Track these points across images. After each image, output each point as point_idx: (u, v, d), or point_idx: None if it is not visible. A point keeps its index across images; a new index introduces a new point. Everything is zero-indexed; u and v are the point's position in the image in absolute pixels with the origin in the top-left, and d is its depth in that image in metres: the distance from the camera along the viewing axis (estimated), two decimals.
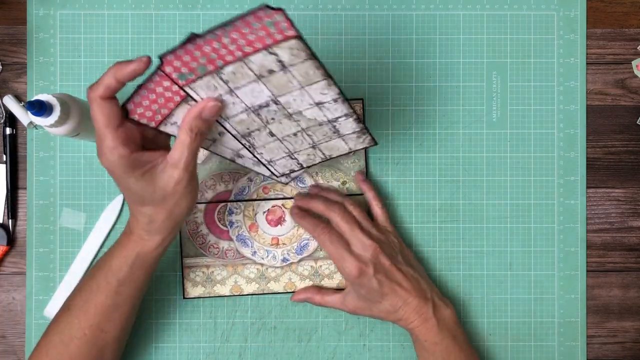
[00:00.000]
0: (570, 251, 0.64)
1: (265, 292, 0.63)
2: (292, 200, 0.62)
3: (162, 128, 0.49)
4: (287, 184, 0.58)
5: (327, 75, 0.45)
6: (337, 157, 0.54)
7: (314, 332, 0.63)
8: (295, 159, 0.53)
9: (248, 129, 0.49)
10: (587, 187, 0.64)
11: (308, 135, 0.51)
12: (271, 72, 0.45)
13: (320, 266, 0.63)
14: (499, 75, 0.64)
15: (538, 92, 0.64)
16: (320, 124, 0.50)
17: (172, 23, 0.64)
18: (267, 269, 0.63)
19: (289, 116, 0.49)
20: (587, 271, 0.64)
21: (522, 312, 0.64)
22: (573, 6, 0.65)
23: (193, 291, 0.62)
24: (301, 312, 0.63)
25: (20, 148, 0.64)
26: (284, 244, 0.63)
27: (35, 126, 0.63)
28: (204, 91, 0.46)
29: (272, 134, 0.50)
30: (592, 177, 0.65)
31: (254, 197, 0.63)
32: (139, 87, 0.46)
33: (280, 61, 0.44)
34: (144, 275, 0.53)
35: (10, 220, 0.63)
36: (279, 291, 0.63)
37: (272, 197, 0.63)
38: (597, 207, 0.65)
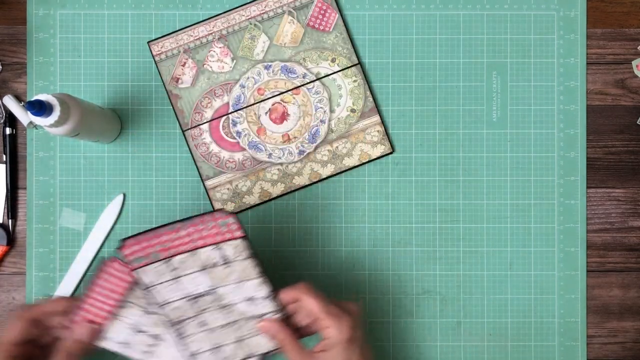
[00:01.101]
0: (570, 251, 0.64)
1: (292, 189, 0.63)
2: (289, 93, 0.63)
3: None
4: None
5: (262, 275, 0.52)
6: (258, 356, 0.54)
7: None
8: (219, 353, 0.54)
9: (181, 316, 0.52)
10: (587, 187, 0.64)
11: (236, 329, 0.53)
12: (215, 265, 0.51)
13: (337, 147, 0.63)
14: (499, 75, 0.64)
15: (538, 92, 0.64)
16: (248, 319, 0.53)
17: (172, 23, 0.64)
18: (287, 166, 0.63)
19: (222, 307, 0.53)
20: (587, 271, 0.64)
21: (522, 312, 0.64)
22: (573, 6, 0.65)
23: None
24: None
25: (20, 148, 0.64)
26: (295, 137, 0.63)
27: (35, 126, 0.63)
28: (151, 276, 0.51)
29: (202, 324, 0.53)
30: (592, 177, 0.65)
31: (252, 101, 0.63)
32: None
33: (224, 256, 0.51)
34: None
35: (10, 220, 0.63)
36: (305, 184, 0.63)
37: (269, 95, 0.63)
38: (597, 207, 0.65)
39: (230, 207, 0.63)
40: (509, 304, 0.64)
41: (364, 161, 0.64)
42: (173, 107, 0.63)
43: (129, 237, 0.49)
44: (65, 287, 0.62)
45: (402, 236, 0.64)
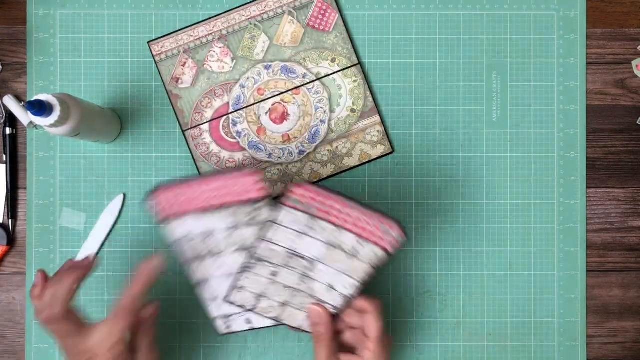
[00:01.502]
0: (570, 251, 0.64)
1: None
2: (289, 93, 0.63)
3: (166, 224, 0.53)
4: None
5: (364, 284, 0.52)
6: (283, 323, 0.56)
7: None
8: (258, 301, 0.55)
9: (268, 257, 0.53)
10: (587, 187, 0.64)
11: (293, 295, 0.54)
12: (340, 248, 0.52)
13: (337, 147, 0.63)
14: (499, 75, 0.64)
15: (538, 92, 0.64)
16: (310, 297, 0.54)
17: (172, 23, 0.64)
18: (287, 166, 0.63)
19: (304, 275, 0.53)
20: (587, 271, 0.64)
21: (522, 312, 0.64)
22: (573, 6, 0.65)
23: None
24: None
25: (20, 148, 0.64)
26: (295, 137, 0.63)
27: (35, 126, 0.63)
28: (288, 218, 0.51)
29: (274, 274, 0.54)
30: (592, 177, 0.65)
31: (252, 101, 0.63)
32: (179, 180, 0.51)
33: (359, 250, 0.51)
34: None
35: (10, 220, 0.63)
36: None
37: (269, 95, 0.63)
38: (597, 207, 0.65)
39: None
40: (509, 304, 0.64)
41: (364, 161, 0.64)
42: (173, 107, 0.63)
43: (312, 183, 0.50)
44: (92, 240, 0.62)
45: None
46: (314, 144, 0.64)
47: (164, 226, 0.52)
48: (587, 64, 0.65)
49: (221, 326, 0.56)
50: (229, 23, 0.64)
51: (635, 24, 0.65)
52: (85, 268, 0.52)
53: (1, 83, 0.64)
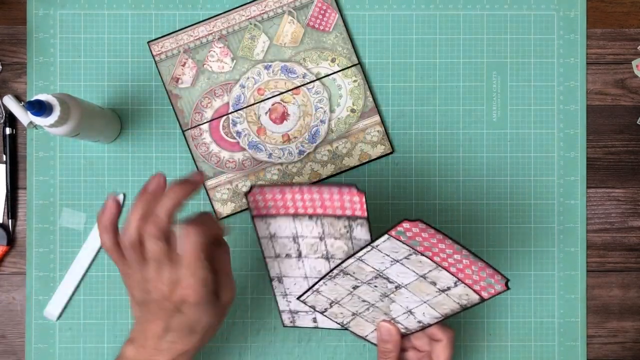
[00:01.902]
0: (570, 251, 0.64)
1: None
2: (289, 93, 0.63)
3: (256, 220, 0.51)
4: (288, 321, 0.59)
5: (445, 318, 0.51)
6: (349, 330, 0.56)
7: (314, 332, 0.63)
8: (330, 306, 0.55)
9: (353, 272, 0.52)
10: (587, 187, 0.64)
11: (368, 308, 0.54)
12: (433, 283, 0.50)
13: (337, 147, 0.63)
14: (499, 75, 0.64)
15: (538, 92, 0.64)
16: (385, 314, 0.54)
17: (172, 23, 0.64)
18: (287, 166, 0.63)
19: (385, 295, 0.52)
20: (587, 271, 0.64)
21: (522, 312, 0.64)
22: (573, 6, 0.65)
23: (224, 210, 0.63)
24: None
25: (20, 148, 0.64)
26: (295, 137, 0.63)
27: (35, 126, 0.63)
28: (388, 245, 0.48)
29: (354, 288, 0.53)
30: (592, 177, 0.65)
31: (252, 101, 0.63)
32: (277, 185, 0.51)
33: (449, 289, 0.49)
34: None
35: (10, 220, 0.63)
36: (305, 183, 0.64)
37: (269, 95, 0.63)
38: (597, 207, 0.65)
39: (230, 207, 0.63)
40: (509, 304, 0.64)
41: (364, 161, 0.64)
42: (173, 107, 0.63)
43: (427, 224, 0.46)
44: (65, 287, 0.62)
45: None
46: (314, 144, 0.64)
47: (255, 222, 0.51)
48: (587, 64, 0.65)
49: (286, 319, 0.57)
50: (229, 23, 0.64)
51: (635, 24, 0.65)
52: (195, 184, 0.45)
53: (1, 83, 0.64)
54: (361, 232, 0.49)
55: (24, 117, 0.62)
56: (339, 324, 0.56)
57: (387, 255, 0.49)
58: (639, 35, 0.65)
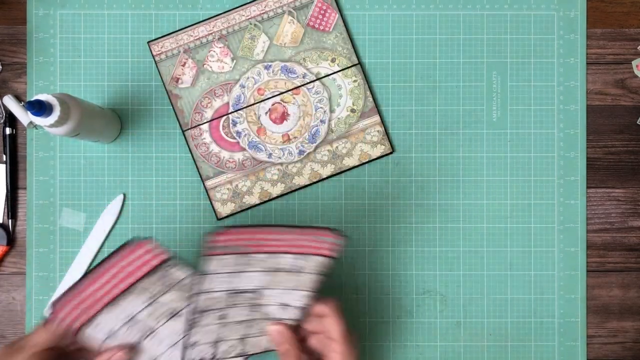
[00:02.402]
0: (570, 251, 0.64)
1: (292, 189, 0.63)
2: (289, 93, 0.63)
3: (84, 332, 0.49)
4: None
5: (316, 291, 0.51)
6: (251, 354, 0.55)
7: None
8: (216, 347, 0.53)
9: (209, 306, 0.51)
10: (587, 187, 0.64)
11: (250, 326, 0.53)
12: (281, 270, 0.50)
13: (337, 147, 0.63)
14: (499, 75, 0.64)
15: (538, 92, 0.64)
16: (267, 320, 0.53)
17: (172, 23, 0.64)
18: (287, 166, 0.63)
19: (253, 306, 0.52)
20: (587, 271, 0.64)
21: (522, 312, 0.64)
22: (573, 6, 0.65)
23: (224, 210, 0.63)
24: None
25: (20, 148, 0.64)
26: (295, 137, 0.63)
27: (35, 126, 0.63)
28: (216, 264, 0.48)
29: (222, 317, 0.52)
30: (592, 177, 0.65)
31: (252, 101, 0.63)
32: (69, 289, 0.47)
33: (301, 266, 0.49)
34: None
35: (10, 220, 0.63)
36: (305, 184, 0.63)
37: (269, 95, 0.63)
38: (597, 207, 0.65)
39: (230, 207, 0.63)
40: (509, 304, 0.64)
41: (364, 161, 0.64)
42: (173, 107, 0.63)
43: (234, 226, 0.47)
44: (65, 287, 0.62)
45: (402, 236, 0.64)
46: (314, 144, 0.64)
47: (81, 337, 0.49)
48: (587, 64, 0.65)
49: None
50: (229, 23, 0.64)
51: (635, 24, 0.65)
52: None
53: (1, 83, 0.64)
54: (179, 272, 0.48)
55: (24, 117, 0.62)
56: (238, 356, 0.54)
57: (224, 272, 0.49)
58: (639, 35, 0.65)
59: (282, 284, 0.51)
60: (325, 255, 0.49)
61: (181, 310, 0.51)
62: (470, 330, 0.64)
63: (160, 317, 0.50)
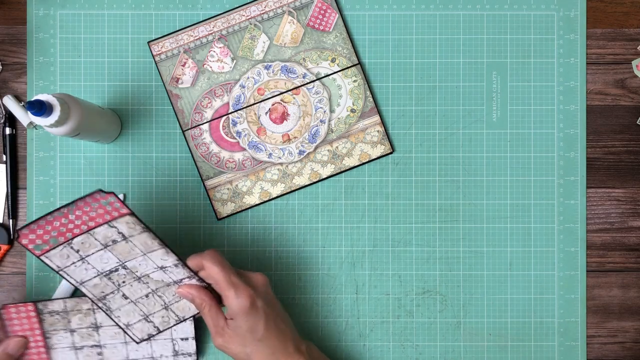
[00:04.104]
0: (570, 251, 0.64)
1: (292, 189, 0.63)
2: (289, 93, 0.63)
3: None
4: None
5: (164, 245, 0.51)
6: (189, 317, 0.57)
7: (314, 332, 0.63)
8: (151, 322, 0.57)
9: (103, 292, 0.54)
10: (587, 187, 0.64)
11: (159, 296, 0.55)
12: (115, 241, 0.51)
13: (337, 147, 0.63)
14: (499, 75, 0.64)
15: (538, 92, 0.64)
16: (168, 285, 0.54)
17: (172, 23, 0.64)
18: (287, 166, 0.63)
19: (139, 279, 0.54)
20: (587, 271, 0.64)
21: (522, 312, 0.64)
22: (573, 6, 0.65)
23: (224, 210, 0.63)
24: (301, 312, 0.63)
25: (20, 148, 0.64)
26: (295, 137, 0.63)
27: (35, 126, 0.63)
28: (58, 260, 0.51)
29: (125, 297, 0.55)
30: (592, 177, 0.65)
31: (252, 101, 0.63)
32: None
33: (120, 233, 0.51)
34: None
35: (10, 220, 0.63)
36: (305, 184, 0.63)
37: (269, 95, 0.63)
38: (597, 207, 0.65)
39: (230, 207, 0.63)
40: (509, 304, 0.64)
41: (364, 161, 0.64)
42: (173, 107, 0.63)
43: (22, 227, 0.48)
44: (65, 288, 0.62)
45: (402, 236, 0.64)
46: (314, 144, 0.64)
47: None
48: (587, 64, 0.65)
49: (188, 358, 0.59)
50: (229, 23, 0.64)
51: (635, 24, 0.65)
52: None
53: (1, 83, 0.64)
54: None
55: (24, 117, 0.62)
56: (179, 322, 0.57)
57: (73, 264, 0.52)
58: (639, 35, 0.65)
59: (130, 253, 0.52)
60: (123, 215, 0.50)
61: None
62: (470, 330, 0.64)
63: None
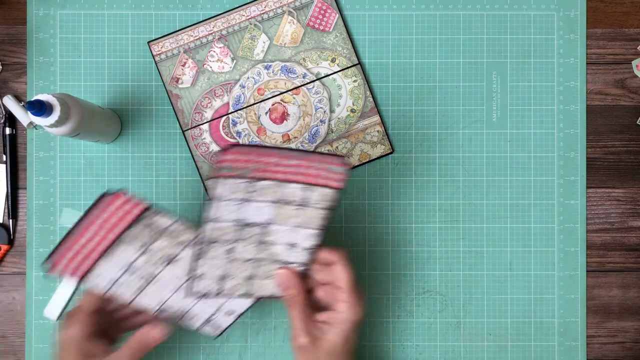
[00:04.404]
0: (570, 251, 0.64)
1: None
2: (289, 93, 0.63)
3: (86, 283, 0.51)
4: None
5: (322, 229, 0.51)
6: (255, 297, 0.55)
7: None
8: (222, 284, 0.54)
9: (217, 237, 0.52)
10: (587, 187, 0.64)
11: (256, 266, 0.53)
12: (289, 203, 0.50)
13: (337, 147, 0.63)
14: (499, 75, 0.64)
15: (538, 92, 0.64)
16: (274, 261, 0.53)
17: (172, 23, 0.64)
18: None
19: (261, 243, 0.52)
20: (587, 271, 0.64)
21: (522, 312, 0.64)
22: (573, 6, 0.65)
23: None
24: None
25: (20, 148, 0.64)
26: (295, 137, 0.63)
27: (35, 126, 0.63)
28: (225, 189, 0.49)
29: (228, 252, 0.52)
30: (592, 177, 0.65)
31: (252, 101, 0.63)
32: (60, 243, 0.49)
33: (306, 198, 0.50)
34: None
35: (10, 220, 0.63)
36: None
37: (269, 95, 0.63)
38: (597, 207, 0.65)
39: None
40: (509, 304, 0.64)
41: (364, 161, 0.64)
42: (173, 107, 0.64)
43: (240, 145, 0.47)
44: (65, 288, 0.62)
45: (402, 236, 0.64)
46: (314, 144, 0.64)
47: (86, 288, 0.51)
48: (587, 64, 0.65)
49: (210, 331, 0.55)
50: (229, 23, 0.64)
51: (635, 24, 0.65)
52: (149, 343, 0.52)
53: (1, 83, 0.64)
54: (163, 219, 0.50)
55: (24, 117, 0.62)
56: (243, 296, 0.54)
57: (231, 200, 0.49)
58: (639, 35, 0.65)
59: (289, 219, 0.50)
60: (332, 187, 0.49)
61: (177, 255, 0.52)
62: (470, 330, 0.64)
63: (157, 263, 0.52)
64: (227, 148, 0.47)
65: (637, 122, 0.65)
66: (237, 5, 0.64)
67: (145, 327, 0.52)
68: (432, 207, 0.64)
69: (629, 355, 0.65)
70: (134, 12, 0.64)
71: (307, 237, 0.51)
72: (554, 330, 0.64)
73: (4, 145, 0.63)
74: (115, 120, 0.62)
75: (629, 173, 0.65)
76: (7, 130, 0.63)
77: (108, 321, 0.53)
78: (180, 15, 0.64)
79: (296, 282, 0.52)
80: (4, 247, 0.62)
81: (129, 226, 0.50)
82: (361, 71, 0.64)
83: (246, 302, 0.55)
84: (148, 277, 0.52)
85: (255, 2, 0.63)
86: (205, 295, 0.53)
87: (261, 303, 0.63)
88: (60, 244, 0.48)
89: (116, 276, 0.51)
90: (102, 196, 0.48)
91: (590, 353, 0.64)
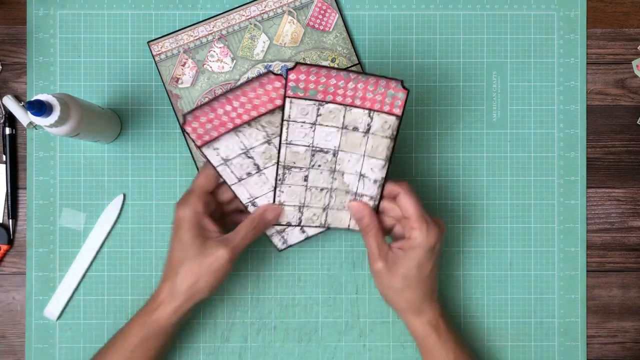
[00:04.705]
0: (570, 251, 0.64)
1: None
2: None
3: (204, 150, 0.52)
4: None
5: (389, 160, 0.53)
6: (332, 228, 0.58)
7: (314, 332, 0.63)
8: (301, 213, 0.56)
9: (294, 162, 0.54)
10: (587, 187, 0.64)
11: (331, 196, 0.55)
12: (355, 129, 0.52)
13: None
14: (499, 75, 0.64)
15: (538, 92, 0.64)
16: (347, 192, 0.55)
17: (172, 23, 0.64)
18: None
19: (333, 171, 0.54)
20: (587, 271, 0.64)
21: (522, 312, 0.64)
22: (573, 6, 0.65)
23: None
24: (301, 312, 0.63)
25: (20, 148, 0.64)
26: None
27: (35, 126, 0.63)
28: (295, 111, 0.50)
29: (305, 179, 0.54)
30: (592, 177, 0.65)
31: None
32: (205, 104, 0.50)
33: (370, 125, 0.51)
34: (158, 343, 0.54)
35: (10, 220, 0.63)
36: None
37: None
38: (597, 207, 0.65)
39: None
40: (509, 304, 0.64)
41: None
42: (173, 107, 0.63)
43: (303, 63, 0.48)
44: (65, 287, 0.62)
45: None
46: None
47: (203, 151, 0.52)
48: (587, 64, 0.65)
49: (279, 243, 0.58)
50: (228, 23, 0.64)
51: (635, 24, 0.65)
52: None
53: (1, 83, 0.64)
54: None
55: (24, 117, 0.62)
56: (319, 226, 0.57)
57: (303, 123, 0.51)
58: (639, 35, 0.65)
59: (355, 147, 0.52)
60: (392, 114, 0.50)
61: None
62: (470, 330, 0.64)
63: (270, 159, 0.53)
64: (292, 68, 0.48)
65: (637, 122, 0.65)
66: (237, 5, 0.64)
67: (264, 205, 0.55)
68: (432, 207, 0.64)
69: (629, 355, 0.65)
70: (134, 12, 0.64)
71: (374, 168, 0.53)
72: (554, 331, 0.64)
73: (4, 145, 0.63)
74: (115, 120, 0.62)
75: (629, 173, 0.65)
76: (7, 130, 0.63)
77: (216, 211, 0.56)
78: (180, 15, 0.64)
79: (368, 211, 0.55)
80: (4, 247, 0.62)
81: (271, 111, 0.51)
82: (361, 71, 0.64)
83: (319, 229, 0.58)
84: (256, 168, 0.54)
85: (255, 2, 0.63)
86: (287, 225, 0.56)
87: (264, 300, 0.63)
88: (205, 104, 0.49)
89: (232, 155, 0.52)
90: (266, 73, 0.49)
91: (590, 353, 0.64)
